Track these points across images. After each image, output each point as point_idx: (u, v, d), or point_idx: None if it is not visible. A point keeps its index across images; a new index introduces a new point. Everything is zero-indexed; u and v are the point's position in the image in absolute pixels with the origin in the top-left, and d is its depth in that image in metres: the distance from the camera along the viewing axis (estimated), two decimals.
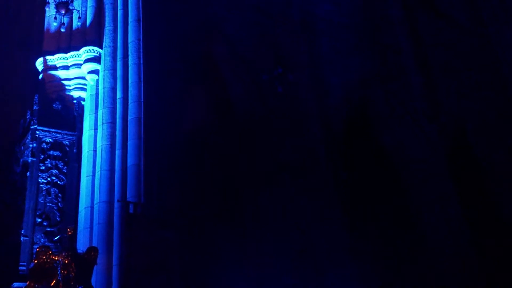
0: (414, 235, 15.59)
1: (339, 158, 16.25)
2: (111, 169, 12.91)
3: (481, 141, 16.96)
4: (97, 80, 14.06)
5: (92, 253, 10.73)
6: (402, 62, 18.21)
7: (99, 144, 13.25)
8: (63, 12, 14.36)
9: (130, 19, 14.63)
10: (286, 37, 18.01)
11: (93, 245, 11.80)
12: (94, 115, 13.66)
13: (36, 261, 10.43)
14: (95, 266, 10.80)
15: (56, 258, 10.46)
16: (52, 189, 12.52)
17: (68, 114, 13.45)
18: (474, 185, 16.40)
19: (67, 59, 14.06)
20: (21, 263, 11.53)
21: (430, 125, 17.09)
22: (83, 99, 14.02)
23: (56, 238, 11.99)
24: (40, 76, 13.99)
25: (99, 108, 13.73)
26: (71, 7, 14.50)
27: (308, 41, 18.17)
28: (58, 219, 12.29)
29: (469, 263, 15.06)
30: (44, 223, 12.13)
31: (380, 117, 17.52)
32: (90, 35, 14.39)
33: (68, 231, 11.28)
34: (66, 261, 10.39)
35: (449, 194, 16.04)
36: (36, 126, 12.88)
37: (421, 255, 15.14)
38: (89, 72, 14.04)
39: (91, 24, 14.53)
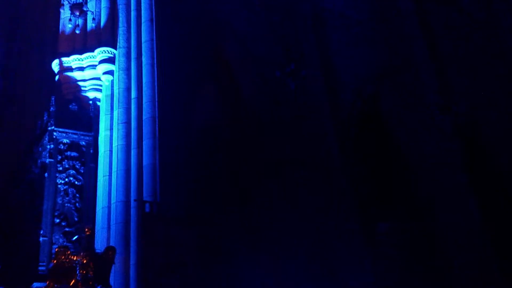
0: (428, 230, 15.52)
1: (352, 154, 16.20)
2: (127, 169, 13.00)
3: (495, 133, 16.86)
4: (112, 81, 14.15)
5: (110, 253, 10.85)
6: (414, 54, 18.11)
7: (115, 144, 13.36)
8: (78, 13, 14.46)
9: (143, 19, 14.68)
10: (296, 33, 17.96)
11: (110, 244, 11.94)
12: (109, 115, 13.77)
13: (55, 261, 10.58)
14: (113, 266, 10.93)
15: (74, 258, 10.61)
16: (69, 190, 12.64)
17: (84, 115, 13.56)
18: (490, 177, 16.30)
19: (82, 60, 14.15)
20: (40, 263, 11.69)
21: (443, 117, 16.99)
22: (99, 100, 14.14)
23: (74, 238, 12.13)
24: (56, 77, 14.13)
25: (114, 108, 13.83)
26: (85, 9, 14.58)
27: (319, 35, 18.11)
28: (76, 219, 12.44)
29: (485, 258, 14.98)
30: (63, 223, 12.28)
31: (392, 110, 17.44)
32: (104, 36, 14.47)
33: (86, 231, 11.36)
34: (84, 261, 10.53)
35: (464, 187, 15.94)
36: (53, 127, 12.98)
37: (436, 252, 15.08)
38: (104, 73, 14.15)
39: (105, 25, 14.61)
